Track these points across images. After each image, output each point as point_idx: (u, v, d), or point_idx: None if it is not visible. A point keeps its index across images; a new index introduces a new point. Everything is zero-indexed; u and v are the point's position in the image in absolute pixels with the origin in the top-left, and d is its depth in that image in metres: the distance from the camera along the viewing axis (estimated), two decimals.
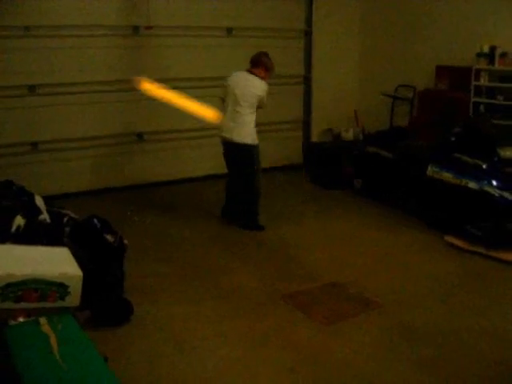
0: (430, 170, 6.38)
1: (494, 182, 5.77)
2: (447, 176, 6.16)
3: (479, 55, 7.56)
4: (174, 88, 7.69)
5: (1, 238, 3.94)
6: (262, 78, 6.35)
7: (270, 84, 6.51)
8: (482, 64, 7.53)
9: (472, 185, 5.88)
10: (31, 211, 4.50)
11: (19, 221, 4.22)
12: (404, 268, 5.49)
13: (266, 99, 6.39)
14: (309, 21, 9.35)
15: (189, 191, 8.17)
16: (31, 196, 4.82)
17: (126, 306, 4.41)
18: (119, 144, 8.18)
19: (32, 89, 7.39)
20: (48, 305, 2.96)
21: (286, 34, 8.96)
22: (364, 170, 7.89)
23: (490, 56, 7.45)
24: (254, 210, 6.59)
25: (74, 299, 3.03)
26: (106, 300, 4.34)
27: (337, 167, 8.33)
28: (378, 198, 7.46)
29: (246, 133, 6.33)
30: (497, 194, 5.68)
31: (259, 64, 6.38)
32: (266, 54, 6.45)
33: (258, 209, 6.60)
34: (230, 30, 8.65)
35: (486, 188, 5.77)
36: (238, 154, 6.44)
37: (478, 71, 7.58)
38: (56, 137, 7.63)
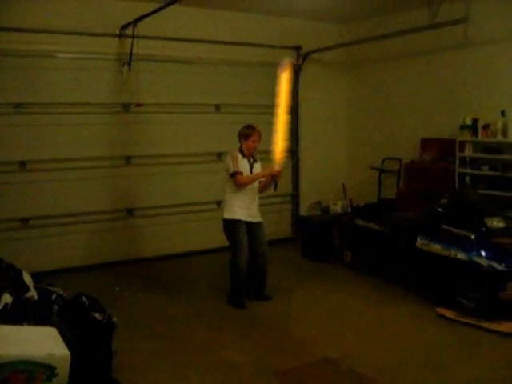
0: (419, 242, 6.42)
1: (483, 253, 5.78)
2: (436, 248, 6.19)
3: (462, 127, 7.75)
4: (164, 164, 7.76)
5: None
6: (246, 148, 6.43)
7: (261, 159, 6.62)
8: (466, 136, 7.71)
9: (461, 256, 5.90)
10: (19, 288, 4.46)
11: (6, 298, 4.18)
12: (396, 340, 5.43)
13: (233, 164, 6.29)
14: (295, 97, 9.56)
15: (178, 266, 8.13)
16: (19, 273, 4.79)
17: None
18: (109, 220, 8.19)
19: (22, 165, 7.45)
20: None
21: (274, 109, 9.16)
22: (353, 243, 7.91)
23: (473, 128, 7.64)
24: (232, 286, 6.48)
25: (61, 380, 2.98)
26: (93, 380, 4.24)
27: (326, 241, 8.37)
28: (368, 271, 7.45)
29: (223, 207, 6.49)
30: (486, 264, 5.69)
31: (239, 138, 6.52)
32: (244, 127, 6.56)
33: (239, 286, 6.41)
34: (218, 107, 8.85)
35: (475, 258, 5.78)
36: None
37: (462, 143, 7.76)
38: (46, 213, 7.64)
